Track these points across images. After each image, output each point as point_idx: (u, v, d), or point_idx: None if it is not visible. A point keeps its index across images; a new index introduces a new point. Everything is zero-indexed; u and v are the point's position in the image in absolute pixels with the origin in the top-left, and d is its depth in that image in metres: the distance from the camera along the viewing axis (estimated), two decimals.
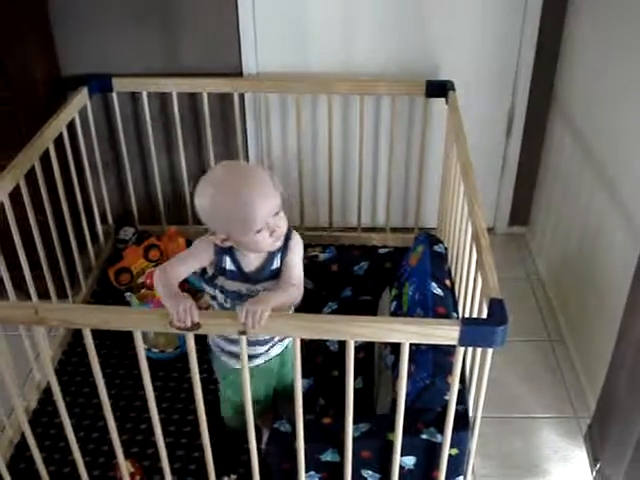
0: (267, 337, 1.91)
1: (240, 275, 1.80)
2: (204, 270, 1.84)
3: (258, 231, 1.68)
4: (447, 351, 1.86)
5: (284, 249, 1.80)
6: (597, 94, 2.56)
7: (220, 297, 1.84)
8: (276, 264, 1.81)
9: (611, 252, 2.37)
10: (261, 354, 1.95)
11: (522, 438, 2.40)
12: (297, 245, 1.83)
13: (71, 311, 1.74)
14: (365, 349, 2.30)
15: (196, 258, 1.80)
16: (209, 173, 1.73)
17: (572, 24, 2.84)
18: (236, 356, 1.86)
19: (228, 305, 1.83)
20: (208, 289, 1.87)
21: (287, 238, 1.79)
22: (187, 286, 2.86)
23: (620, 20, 2.36)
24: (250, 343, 1.82)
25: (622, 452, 2.06)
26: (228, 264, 1.79)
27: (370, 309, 2.48)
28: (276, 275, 1.82)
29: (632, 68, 2.24)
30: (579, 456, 2.34)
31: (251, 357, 1.88)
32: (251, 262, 1.80)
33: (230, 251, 1.78)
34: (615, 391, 2.16)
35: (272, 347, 1.96)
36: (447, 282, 2.25)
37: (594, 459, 2.27)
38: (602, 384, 2.26)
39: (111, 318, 1.67)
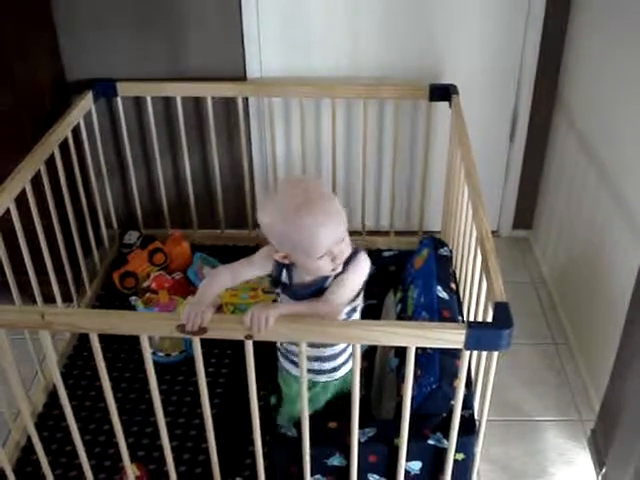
0: (334, 351, 1.90)
1: (289, 288, 1.81)
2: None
3: (320, 257, 1.66)
4: (453, 355, 1.86)
5: (342, 271, 1.76)
6: (601, 97, 2.56)
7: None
8: (326, 283, 1.78)
9: (615, 255, 2.37)
10: (326, 371, 1.95)
11: (527, 442, 2.40)
12: (358, 265, 1.76)
13: (77, 316, 1.75)
14: (367, 358, 2.29)
15: (257, 264, 1.83)
16: (276, 191, 1.71)
17: (575, 27, 2.84)
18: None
19: None
20: (276, 290, 1.89)
21: (349, 259, 1.75)
22: (192, 289, 2.87)
23: (623, 22, 2.36)
24: (316, 359, 1.87)
25: (628, 456, 2.06)
26: (283, 277, 1.81)
27: (375, 313, 2.48)
28: (321, 293, 1.79)
29: (636, 70, 2.24)
30: (584, 460, 2.33)
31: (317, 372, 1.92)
32: (303, 277, 1.79)
33: (288, 266, 1.79)
34: (619, 395, 2.16)
35: (335, 370, 1.96)
36: (452, 285, 2.25)
37: (599, 463, 2.27)
38: (606, 386, 2.26)
39: (117, 323, 1.68)
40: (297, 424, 1.86)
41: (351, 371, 1.92)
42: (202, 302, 1.67)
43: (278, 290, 1.86)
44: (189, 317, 1.59)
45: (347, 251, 1.72)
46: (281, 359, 2.02)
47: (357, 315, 1.89)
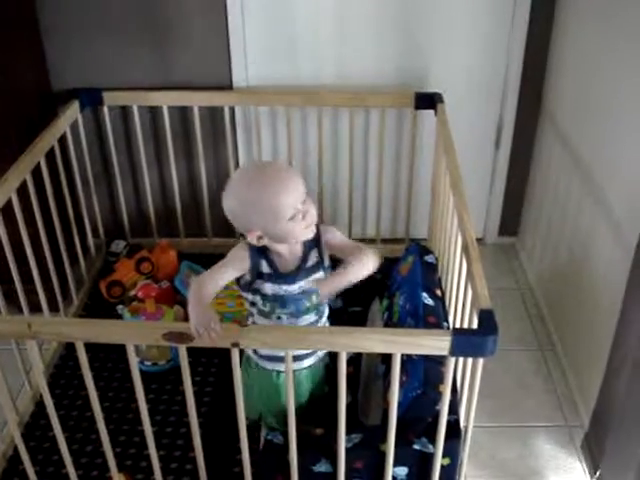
0: None
1: (277, 277, 1.82)
2: (239, 277, 1.85)
3: (290, 218, 1.70)
4: (438, 361, 1.87)
5: (318, 242, 1.84)
6: (585, 104, 2.58)
7: (260, 302, 1.85)
8: (312, 261, 1.84)
9: (600, 261, 2.39)
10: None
11: (514, 447, 2.41)
12: (330, 228, 1.87)
13: (64, 325, 1.75)
14: (354, 364, 2.29)
15: (233, 266, 1.81)
16: (231, 177, 1.78)
17: (559, 35, 2.87)
18: (278, 358, 1.88)
19: (267, 309, 1.85)
20: (246, 295, 1.88)
21: (317, 231, 1.82)
22: (179, 297, 2.87)
23: (606, 30, 2.38)
24: None
25: (626, 462, 2.07)
26: (264, 267, 1.81)
27: (361, 320, 2.48)
28: (313, 272, 1.84)
29: (619, 78, 2.26)
30: (572, 464, 2.35)
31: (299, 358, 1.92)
32: (287, 263, 1.82)
33: (265, 254, 1.80)
34: (612, 399, 2.17)
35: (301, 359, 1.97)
36: (438, 292, 2.26)
37: (593, 467, 2.28)
38: (598, 392, 2.28)
39: (104, 331, 1.68)
40: (284, 432, 1.87)
41: (321, 361, 1.98)
42: (204, 313, 1.62)
43: (257, 285, 1.83)
44: (199, 332, 1.58)
45: (314, 211, 1.76)
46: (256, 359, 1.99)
47: (324, 320, 1.94)
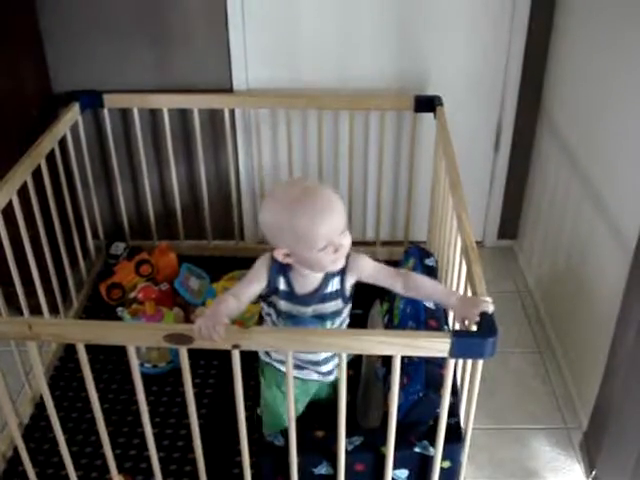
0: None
1: (292, 297, 1.79)
2: None
3: (322, 249, 1.66)
4: (439, 364, 1.88)
5: (343, 271, 1.79)
6: (584, 108, 2.59)
7: (273, 315, 1.84)
8: (331, 287, 1.80)
9: (599, 263, 2.39)
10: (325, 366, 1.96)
11: (513, 449, 2.41)
12: (360, 256, 1.81)
13: (65, 326, 1.75)
14: (354, 367, 2.30)
15: (257, 280, 1.77)
16: (274, 189, 1.75)
17: (558, 39, 2.88)
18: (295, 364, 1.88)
19: (280, 324, 1.84)
20: (263, 305, 1.87)
21: (347, 258, 1.77)
22: (179, 300, 2.87)
23: (606, 34, 2.39)
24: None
25: (624, 464, 2.07)
26: (282, 284, 1.78)
27: (361, 322, 2.48)
28: (330, 299, 1.81)
29: (618, 82, 2.27)
30: (571, 466, 2.35)
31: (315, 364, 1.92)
32: (306, 284, 1.79)
33: (285, 272, 1.77)
34: (610, 401, 2.18)
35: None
36: None
37: (590, 468, 2.29)
38: (597, 394, 2.28)
39: (105, 333, 1.68)
40: (284, 432, 1.87)
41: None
42: (216, 315, 1.60)
43: (272, 300, 1.82)
44: (200, 330, 1.57)
45: (347, 244, 1.71)
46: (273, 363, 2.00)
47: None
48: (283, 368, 1.92)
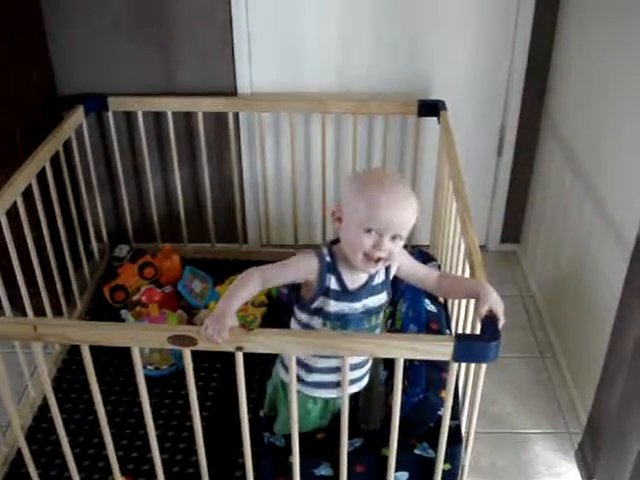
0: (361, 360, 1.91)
1: (344, 294, 1.78)
2: (298, 298, 1.83)
3: (368, 231, 1.65)
4: (440, 367, 1.88)
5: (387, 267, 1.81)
6: (586, 112, 2.59)
7: (318, 323, 1.81)
8: (378, 279, 1.81)
9: (601, 268, 2.40)
10: (356, 380, 1.94)
11: (515, 453, 2.41)
12: (402, 250, 1.78)
13: (70, 327, 1.75)
14: None
15: (297, 271, 1.76)
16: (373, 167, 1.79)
17: (562, 44, 2.88)
18: (326, 385, 1.89)
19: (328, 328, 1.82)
20: (300, 316, 1.85)
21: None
22: (182, 302, 2.88)
23: (610, 39, 2.40)
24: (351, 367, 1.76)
25: (621, 472, 2.07)
26: (333, 283, 1.77)
27: None
28: (378, 291, 1.82)
29: (622, 86, 2.28)
30: (572, 471, 2.35)
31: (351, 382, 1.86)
32: (355, 279, 1.79)
33: (335, 269, 1.76)
34: (606, 407, 2.18)
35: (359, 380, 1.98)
36: (441, 299, 2.27)
37: (587, 476, 2.28)
38: (594, 398, 2.28)
39: (110, 334, 1.68)
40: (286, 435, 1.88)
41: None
42: (225, 316, 1.59)
43: (319, 303, 1.79)
44: (207, 329, 1.57)
45: (391, 252, 1.69)
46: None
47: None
48: (317, 393, 1.94)
